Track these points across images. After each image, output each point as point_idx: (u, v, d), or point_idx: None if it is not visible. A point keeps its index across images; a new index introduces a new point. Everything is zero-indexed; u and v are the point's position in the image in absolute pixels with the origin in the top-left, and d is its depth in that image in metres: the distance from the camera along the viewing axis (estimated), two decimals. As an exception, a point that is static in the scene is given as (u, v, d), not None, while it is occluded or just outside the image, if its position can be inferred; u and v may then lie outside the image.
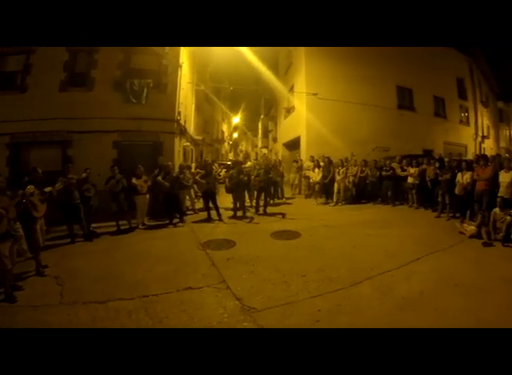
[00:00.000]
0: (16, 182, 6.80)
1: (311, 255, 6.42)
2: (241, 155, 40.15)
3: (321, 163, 12.67)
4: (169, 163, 10.08)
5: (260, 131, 33.40)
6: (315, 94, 16.03)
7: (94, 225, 8.69)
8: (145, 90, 11.38)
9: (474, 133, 24.81)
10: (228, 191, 10.18)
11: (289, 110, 19.75)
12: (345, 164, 12.33)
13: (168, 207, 9.56)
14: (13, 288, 5.00)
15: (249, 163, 13.06)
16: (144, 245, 7.44)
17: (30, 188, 5.73)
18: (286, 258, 6.18)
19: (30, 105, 10.81)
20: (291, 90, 19.03)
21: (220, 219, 9.48)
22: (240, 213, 10.04)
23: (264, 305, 4.36)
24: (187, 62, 14.26)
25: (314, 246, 6.96)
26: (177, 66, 12.25)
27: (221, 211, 9.85)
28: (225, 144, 40.57)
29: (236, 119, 38.56)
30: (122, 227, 8.81)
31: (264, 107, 31.07)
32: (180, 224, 9.31)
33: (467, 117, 24.46)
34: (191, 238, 7.89)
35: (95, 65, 11.43)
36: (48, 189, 6.47)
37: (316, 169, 12.48)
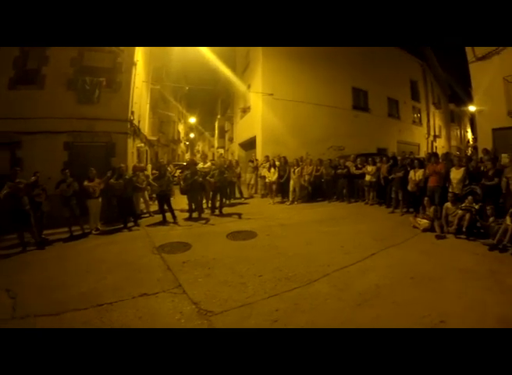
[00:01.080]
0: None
1: (267, 254, 6.49)
2: (198, 155, 39.83)
3: (277, 163, 12.94)
4: (122, 165, 9.84)
5: (216, 131, 33.20)
6: (271, 95, 16.35)
7: (45, 232, 8.35)
8: (97, 89, 11.14)
9: (427, 133, 26.14)
10: (182, 192, 10.21)
11: (245, 110, 19.95)
12: (300, 163, 12.63)
13: (122, 210, 9.40)
14: None
15: (208, 164, 13.12)
16: (98, 252, 7.26)
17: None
18: (242, 259, 6.21)
19: None
20: (248, 90, 19.25)
21: (175, 222, 9.45)
22: (195, 215, 10.03)
23: (221, 307, 4.36)
24: (142, 61, 14.06)
25: (270, 245, 7.08)
26: (131, 64, 12.05)
27: (176, 213, 9.83)
28: (182, 144, 40.10)
29: (193, 120, 38.37)
30: (75, 233, 8.58)
31: (220, 107, 31.06)
32: (135, 228, 9.15)
33: (420, 118, 25.82)
34: (146, 242, 7.76)
35: (46, 61, 10.92)
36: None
37: (272, 169, 12.68)
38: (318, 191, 13.10)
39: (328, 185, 12.78)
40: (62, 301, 4.83)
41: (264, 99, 16.55)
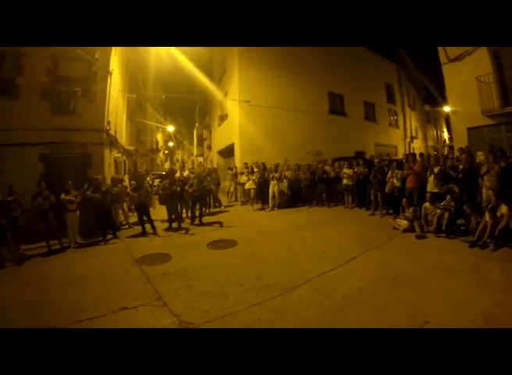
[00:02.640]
0: None
1: (248, 262, 6.51)
2: (177, 164, 39.78)
3: (255, 169, 13.05)
4: (99, 176, 9.76)
5: (195, 139, 33.38)
6: (248, 101, 16.51)
7: (23, 247, 8.29)
8: (73, 99, 11.06)
9: (403, 135, 26.77)
10: (161, 202, 10.20)
11: (223, 117, 20.07)
12: (278, 169, 12.82)
13: (100, 223, 9.32)
14: None
15: (186, 172, 13.19)
16: (78, 266, 7.15)
17: None
18: (223, 269, 6.18)
19: None
20: (225, 97, 19.42)
21: (155, 233, 9.44)
22: (175, 225, 10.05)
23: (202, 319, 4.30)
24: (118, 69, 14.10)
25: (251, 253, 7.14)
26: (107, 72, 12.05)
27: (156, 223, 9.84)
28: (161, 153, 39.90)
29: (171, 128, 38.06)
30: (53, 247, 8.45)
31: (198, 115, 31.24)
32: (114, 240, 9.10)
33: (396, 120, 26.46)
34: (125, 254, 7.71)
35: (21, 71, 10.75)
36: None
37: (250, 176, 12.78)
38: (297, 196, 13.35)
39: (308, 190, 13.02)
40: (43, 317, 4.79)
41: (241, 106, 16.68)
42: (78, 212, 9.01)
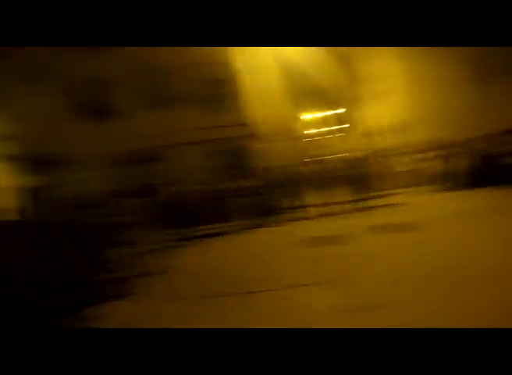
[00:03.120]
0: None
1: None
2: None
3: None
4: (257, 165, 10.76)
5: None
6: None
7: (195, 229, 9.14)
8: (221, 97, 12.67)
9: None
10: None
11: None
12: None
13: (260, 207, 9.88)
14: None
15: None
16: (242, 245, 7.71)
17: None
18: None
19: (120, 129, 12.24)
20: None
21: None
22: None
23: (370, 304, 3.66)
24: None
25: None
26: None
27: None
28: (303, 141, 39.42)
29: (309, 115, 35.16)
30: (219, 230, 9.14)
31: None
32: (275, 224, 9.33)
33: None
34: (288, 236, 7.68)
35: (171, 84, 12.57)
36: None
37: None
38: None
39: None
40: (211, 287, 5.18)
41: None
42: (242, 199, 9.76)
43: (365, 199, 10.38)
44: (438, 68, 15.16)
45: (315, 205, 9.98)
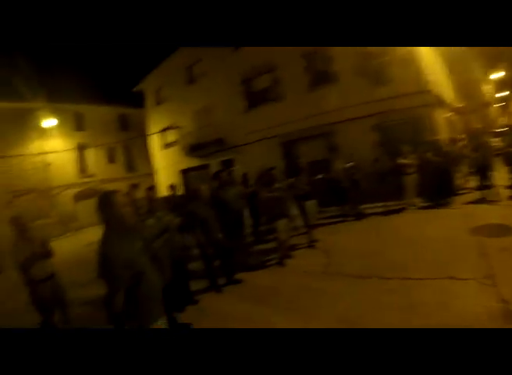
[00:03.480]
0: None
1: None
2: None
3: None
4: (438, 138, 9.80)
5: None
6: None
7: (363, 206, 9.46)
8: (385, 68, 11.52)
9: None
10: (508, 161, 9.12)
11: None
12: None
13: (438, 186, 9.09)
14: (285, 256, 6.60)
15: None
16: (410, 227, 7.55)
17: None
18: None
19: (289, 109, 13.39)
20: None
21: (487, 200, 8.51)
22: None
23: None
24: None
25: None
26: None
27: (500, 190, 8.75)
28: (493, 106, 33.65)
29: (501, 73, 28.07)
30: (390, 208, 9.34)
31: None
32: (450, 205, 8.81)
33: None
34: (462, 222, 7.17)
35: (331, 60, 12.70)
36: (319, 176, 7.75)
37: None
38: None
39: None
40: (370, 268, 5.49)
41: None
42: (416, 175, 9.11)
43: None
44: None
45: (506, 187, 8.92)
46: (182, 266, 5.19)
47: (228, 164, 16.21)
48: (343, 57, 12.12)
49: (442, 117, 12.30)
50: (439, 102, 12.32)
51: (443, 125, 12.20)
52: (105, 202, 2.62)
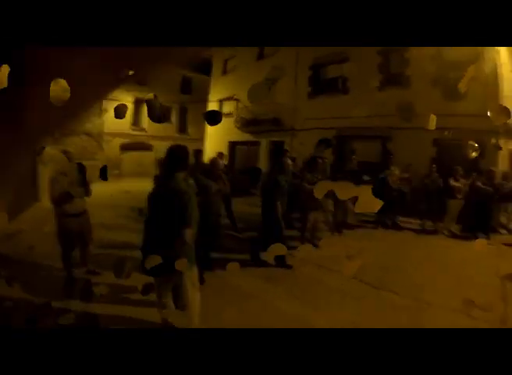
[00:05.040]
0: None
1: None
2: None
3: None
4: (493, 169, 9.43)
5: None
6: None
7: (401, 218, 9.70)
8: (462, 83, 11.00)
9: None
10: None
11: None
12: None
13: (479, 218, 8.78)
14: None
15: None
16: (440, 252, 7.62)
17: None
18: None
19: (353, 104, 13.02)
20: None
21: None
22: None
23: None
24: (506, 47, 12.84)
25: None
26: (493, 52, 11.20)
27: None
28: None
29: None
30: (426, 227, 9.36)
31: None
32: (487, 241, 8.37)
33: None
34: (494, 261, 6.72)
35: (407, 63, 12.48)
36: (366, 178, 8.11)
37: None
38: None
39: None
40: (387, 281, 5.64)
41: None
42: (462, 201, 8.94)
43: None
44: None
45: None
46: (212, 230, 5.40)
47: (279, 146, 16.35)
48: (420, 62, 11.88)
49: (506, 148, 11.77)
50: (508, 132, 11.79)
51: (505, 157, 11.77)
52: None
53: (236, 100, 19.36)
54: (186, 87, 28.86)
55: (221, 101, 21.07)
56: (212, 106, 21.52)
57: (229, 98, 20.22)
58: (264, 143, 17.63)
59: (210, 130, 21.77)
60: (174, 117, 28.22)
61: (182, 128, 28.91)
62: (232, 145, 20.25)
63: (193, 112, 27.65)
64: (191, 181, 3.78)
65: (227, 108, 20.59)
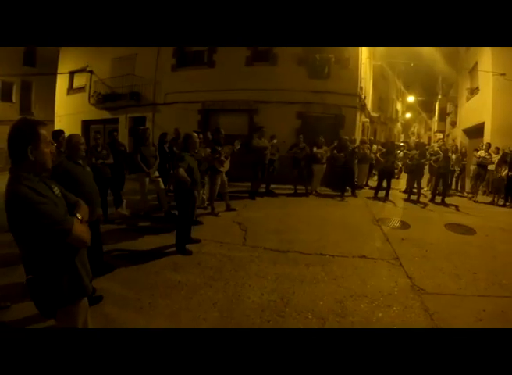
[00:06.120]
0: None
1: (483, 254, 6.00)
2: (412, 137, 38.87)
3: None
4: (345, 137, 10.85)
5: (436, 113, 31.10)
6: (503, 75, 14.11)
7: (272, 186, 10.35)
8: (327, 65, 12.34)
9: None
10: (407, 171, 10.54)
11: (473, 91, 17.78)
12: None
13: (342, 179, 10.36)
14: (195, 222, 6.57)
15: (435, 147, 13.21)
16: (319, 210, 8.49)
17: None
18: (458, 252, 5.96)
19: (219, 78, 13.11)
20: (473, 69, 17.28)
21: (387, 198, 10.01)
22: (413, 197, 10.23)
23: (433, 289, 4.46)
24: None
25: (488, 247, 6.43)
26: None
27: (394, 192, 10.40)
28: (398, 124, 38.76)
29: (411, 98, 35.38)
30: (298, 191, 10.30)
31: (442, 86, 29.12)
32: (352, 197, 10.18)
33: None
34: (365, 212, 8.50)
35: None
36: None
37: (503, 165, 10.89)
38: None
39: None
40: (287, 243, 5.99)
41: (494, 80, 14.46)
42: (325, 166, 10.35)
43: (443, 195, 10.54)
44: None
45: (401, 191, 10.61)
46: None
47: (140, 122, 15.19)
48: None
49: (360, 121, 13.17)
50: (362, 107, 13.21)
51: (359, 128, 13.54)
52: None
53: (90, 72, 17.24)
54: (29, 57, 24.66)
55: (72, 74, 18.58)
56: (62, 79, 19.10)
57: (81, 70, 17.77)
58: (122, 120, 16.22)
59: (59, 108, 19.12)
60: (15, 94, 23.98)
61: (25, 107, 24.67)
62: (86, 125, 18.12)
63: (39, 87, 23.94)
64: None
65: (79, 81, 18.31)
